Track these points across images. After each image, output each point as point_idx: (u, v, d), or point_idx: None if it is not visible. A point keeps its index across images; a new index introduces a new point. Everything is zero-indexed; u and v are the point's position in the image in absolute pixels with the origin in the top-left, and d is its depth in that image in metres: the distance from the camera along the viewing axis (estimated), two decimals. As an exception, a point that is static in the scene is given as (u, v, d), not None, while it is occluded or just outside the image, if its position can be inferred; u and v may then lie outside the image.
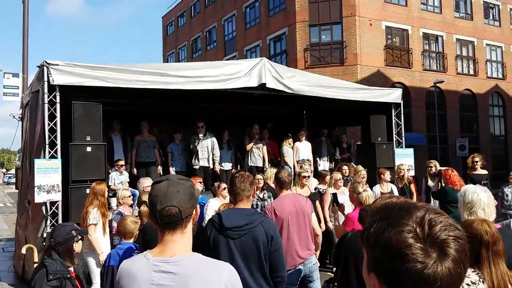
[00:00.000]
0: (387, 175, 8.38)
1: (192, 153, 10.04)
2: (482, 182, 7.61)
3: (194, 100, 9.67)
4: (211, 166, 10.03)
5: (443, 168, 7.38)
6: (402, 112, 10.71)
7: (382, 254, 0.97)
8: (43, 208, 6.93)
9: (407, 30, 25.28)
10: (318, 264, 5.13)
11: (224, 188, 6.86)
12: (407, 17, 25.14)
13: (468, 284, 2.40)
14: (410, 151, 10.86)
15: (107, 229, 6.07)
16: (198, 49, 35.30)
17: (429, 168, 8.90)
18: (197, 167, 9.84)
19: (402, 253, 0.93)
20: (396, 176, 8.92)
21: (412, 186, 8.97)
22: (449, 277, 0.92)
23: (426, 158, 11.32)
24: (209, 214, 6.48)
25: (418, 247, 0.93)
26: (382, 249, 0.97)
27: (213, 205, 6.64)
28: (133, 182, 9.02)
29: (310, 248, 4.84)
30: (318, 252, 5.38)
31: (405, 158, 10.33)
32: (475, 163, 8.53)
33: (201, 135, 9.75)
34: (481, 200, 3.12)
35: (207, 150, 9.91)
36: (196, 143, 9.76)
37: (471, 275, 2.44)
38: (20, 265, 8.06)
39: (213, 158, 9.97)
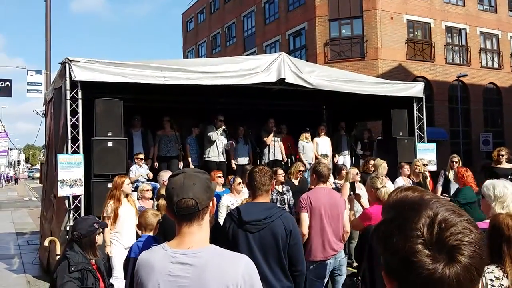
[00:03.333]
0: (405, 169, 8.32)
1: (204, 146, 10.01)
2: (509, 177, 7.44)
3: (213, 95, 9.70)
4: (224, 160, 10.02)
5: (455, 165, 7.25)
6: (424, 106, 10.55)
7: (391, 258, 0.96)
8: (66, 202, 7.08)
9: (429, 23, 24.87)
10: (346, 258, 5.15)
11: (239, 183, 6.85)
12: (429, 10, 24.73)
13: (491, 280, 2.38)
14: (432, 146, 10.70)
15: (129, 222, 6.13)
16: (218, 45, 35.38)
17: (452, 163, 8.76)
18: (215, 159, 9.78)
19: (409, 260, 0.91)
20: (412, 171, 8.81)
21: (428, 182, 8.84)
22: (458, 284, 0.89)
23: (449, 153, 11.14)
24: (221, 210, 6.51)
25: (425, 254, 0.90)
26: (391, 253, 0.96)
27: (225, 201, 6.65)
28: (155, 176, 9.13)
29: (340, 242, 4.86)
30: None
31: (427, 153, 10.18)
32: (500, 156, 8.31)
33: (220, 129, 9.77)
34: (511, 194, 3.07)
35: (221, 144, 9.91)
36: (218, 134, 9.75)
37: (495, 271, 2.41)
38: (45, 257, 8.25)
39: (222, 152, 9.95)
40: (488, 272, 2.40)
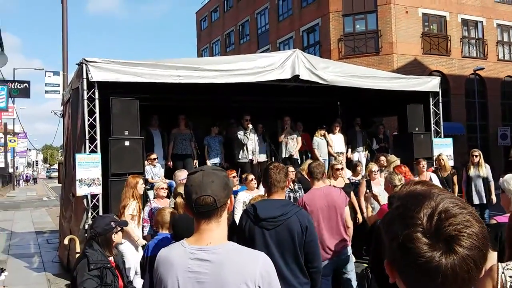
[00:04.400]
0: (423, 164, 8.27)
1: (231, 146, 10.07)
2: None
3: (228, 93, 9.73)
4: (256, 160, 10.06)
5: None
6: (440, 101, 10.44)
7: (391, 244, 0.98)
8: (84, 201, 7.18)
9: (445, 16, 24.56)
10: (353, 256, 5.10)
11: (252, 179, 6.87)
12: (444, 3, 24.42)
13: (511, 276, 2.33)
14: (449, 141, 10.59)
15: (141, 220, 6.22)
16: (232, 43, 35.44)
17: (473, 157, 8.69)
18: (246, 160, 9.83)
19: (407, 246, 0.93)
20: (438, 166, 8.76)
21: (455, 178, 8.78)
22: (454, 274, 0.91)
23: (466, 148, 11.04)
24: (237, 206, 6.53)
25: (423, 242, 0.92)
26: (391, 238, 0.98)
27: (241, 197, 6.67)
28: (171, 175, 9.20)
29: (343, 240, 4.82)
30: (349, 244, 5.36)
31: (444, 148, 10.08)
32: None
33: (250, 128, 9.79)
34: None
35: (252, 144, 9.93)
36: (248, 134, 9.78)
37: None
38: (65, 256, 8.39)
39: (253, 152, 9.98)
40: (507, 269, 2.35)
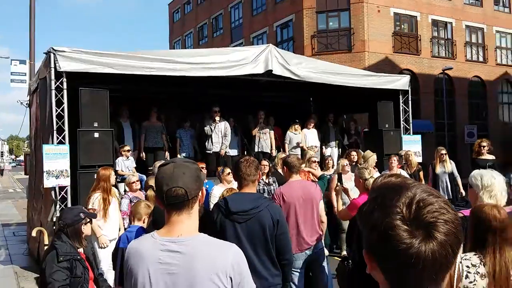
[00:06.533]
0: (393, 160, 8.45)
1: (201, 139, 10.11)
2: (487, 164, 7.62)
3: (201, 86, 9.68)
4: (224, 151, 10.10)
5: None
6: (410, 98, 10.66)
7: (370, 233, 1.01)
8: (52, 193, 7.03)
9: (416, 16, 25.01)
10: (326, 250, 5.17)
11: (229, 173, 6.86)
12: (415, 3, 24.86)
13: (468, 266, 2.43)
14: (418, 137, 10.83)
15: (110, 214, 6.10)
16: (205, 36, 35.16)
17: (441, 156, 8.91)
18: (210, 152, 9.93)
19: (388, 234, 0.96)
20: (404, 162, 8.94)
21: (421, 173, 8.99)
22: (433, 259, 0.94)
23: (434, 145, 11.29)
24: (213, 202, 6.51)
25: (403, 229, 0.95)
26: (370, 228, 1.01)
27: (217, 192, 6.65)
28: (142, 167, 9.10)
29: (317, 233, 4.88)
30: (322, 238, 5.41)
31: (412, 145, 10.30)
32: (482, 147, 8.47)
33: (217, 119, 9.81)
34: (499, 184, 3.12)
35: (220, 135, 9.96)
36: (213, 127, 9.82)
37: (472, 258, 2.46)
38: (36, 248, 8.21)
39: (222, 143, 10.01)
40: (465, 259, 2.46)
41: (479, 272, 2.41)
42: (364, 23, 23.04)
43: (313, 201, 4.83)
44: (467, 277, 2.41)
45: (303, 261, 4.78)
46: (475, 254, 2.47)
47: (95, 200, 5.99)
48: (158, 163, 7.47)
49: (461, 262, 2.45)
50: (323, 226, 5.13)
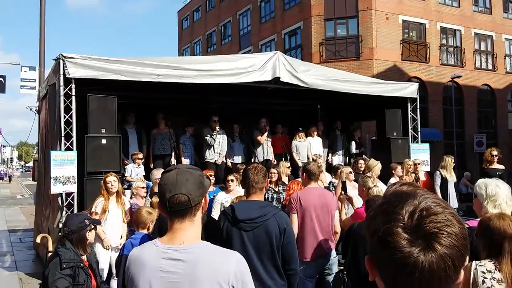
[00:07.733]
0: (398, 170, 8.36)
1: (200, 147, 10.08)
2: (497, 173, 7.54)
3: (208, 93, 9.68)
4: (221, 161, 10.06)
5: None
6: (418, 106, 10.58)
7: (372, 238, 0.99)
8: (59, 199, 7.03)
9: (424, 24, 24.94)
10: (338, 259, 5.12)
11: (232, 180, 6.81)
12: (424, 11, 24.80)
13: (483, 272, 2.49)
14: (426, 146, 10.74)
15: (111, 221, 6.12)
16: (213, 43, 35.31)
17: (452, 163, 8.88)
18: (212, 160, 9.86)
19: (386, 240, 0.94)
20: (405, 171, 8.86)
21: (419, 182, 8.90)
22: (430, 271, 0.91)
23: (442, 154, 11.17)
24: (215, 207, 6.47)
25: (403, 237, 0.93)
26: (372, 232, 0.99)
27: (220, 198, 6.61)
28: (149, 175, 9.09)
29: (332, 242, 4.84)
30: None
31: (420, 154, 10.21)
32: (493, 156, 8.39)
33: (217, 129, 9.78)
34: (503, 193, 3.11)
35: (219, 145, 9.94)
36: (215, 136, 9.79)
37: (487, 264, 2.50)
38: (44, 254, 8.21)
39: (219, 153, 9.98)
40: (480, 265, 2.50)
41: (495, 278, 2.44)
42: (373, 30, 23.02)
43: (330, 208, 4.81)
44: (484, 282, 2.45)
45: (315, 270, 4.75)
46: (490, 261, 2.52)
47: (98, 203, 6.04)
48: (155, 171, 7.48)
49: (476, 268, 2.49)
50: (336, 237, 5.08)
